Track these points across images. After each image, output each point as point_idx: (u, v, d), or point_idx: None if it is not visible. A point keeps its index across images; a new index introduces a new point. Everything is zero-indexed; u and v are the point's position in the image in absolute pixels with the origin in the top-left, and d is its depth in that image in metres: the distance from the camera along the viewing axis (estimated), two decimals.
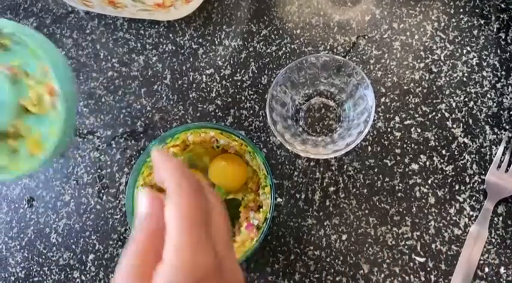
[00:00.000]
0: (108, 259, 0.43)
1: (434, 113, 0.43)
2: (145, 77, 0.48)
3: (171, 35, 0.50)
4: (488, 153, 0.41)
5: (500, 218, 0.40)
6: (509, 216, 0.40)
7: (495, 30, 0.45)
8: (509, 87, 0.43)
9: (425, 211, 0.41)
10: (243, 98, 0.46)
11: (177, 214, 0.23)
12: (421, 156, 0.42)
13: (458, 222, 0.40)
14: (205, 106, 0.46)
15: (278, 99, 0.40)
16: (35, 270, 0.44)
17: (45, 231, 0.45)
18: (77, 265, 0.44)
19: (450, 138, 0.42)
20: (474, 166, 0.41)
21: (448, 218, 0.40)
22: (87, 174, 0.46)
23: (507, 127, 0.42)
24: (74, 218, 0.45)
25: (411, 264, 0.40)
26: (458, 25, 0.45)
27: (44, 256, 0.45)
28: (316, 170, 0.43)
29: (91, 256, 0.44)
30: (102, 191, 0.46)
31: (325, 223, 0.41)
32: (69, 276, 0.44)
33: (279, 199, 0.43)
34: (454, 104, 0.43)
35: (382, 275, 0.39)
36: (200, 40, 0.49)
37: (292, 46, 0.47)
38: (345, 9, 0.47)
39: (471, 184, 0.41)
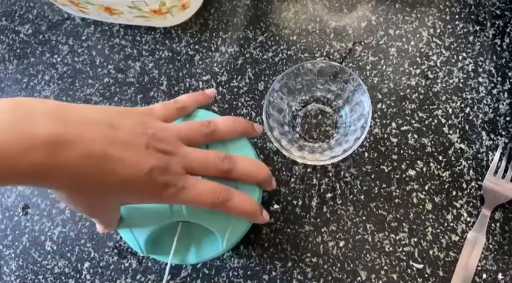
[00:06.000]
0: (103, 267, 0.43)
1: (430, 119, 0.43)
2: (142, 84, 0.48)
3: (167, 42, 0.49)
4: (485, 159, 0.41)
5: (498, 224, 0.40)
6: (506, 222, 0.40)
7: (491, 36, 0.45)
8: (505, 93, 0.43)
9: (423, 217, 0.40)
10: (240, 104, 0.46)
11: None
12: (418, 162, 0.42)
13: (455, 228, 0.40)
14: None
15: (275, 105, 0.40)
16: (29, 278, 0.44)
17: (40, 238, 0.45)
18: (72, 274, 0.43)
19: (447, 144, 0.42)
20: (471, 172, 0.41)
21: (446, 224, 0.40)
22: None
23: (503, 133, 0.42)
24: (69, 226, 0.45)
25: (409, 270, 0.39)
26: (454, 31, 0.45)
27: (39, 265, 0.44)
28: (313, 176, 0.43)
29: (86, 264, 0.43)
30: None
31: (322, 230, 0.41)
32: None
33: (275, 206, 0.42)
34: (450, 110, 0.43)
35: (380, 282, 0.39)
36: (196, 46, 0.49)
37: (289, 52, 0.47)
38: (341, 15, 0.48)
39: (468, 190, 0.41)
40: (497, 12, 0.46)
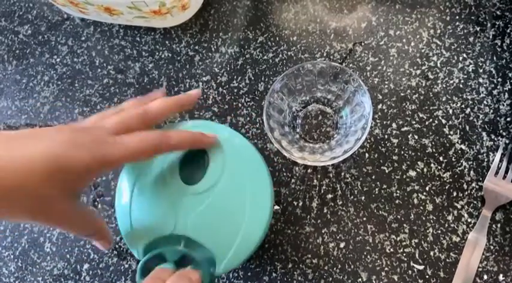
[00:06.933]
0: (103, 268, 0.43)
1: (431, 120, 0.43)
2: (141, 84, 0.48)
3: (167, 42, 0.49)
4: (486, 160, 0.41)
5: (499, 225, 0.40)
6: (507, 222, 0.39)
7: (491, 37, 0.45)
8: (506, 93, 0.43)
9: (423, 218, 0.40)
10: (240, 104, 0.46)
11: None
12: (419, 162, 0.42)
13: (456, 229, 0.40)
14: (201, 113, 0.46)
15: (275, 106, 0.40)
16: (28, 280, 0.44)
17: (39, 240, 0.45)
18: (71, 275, 0.43)
19: (447, 144, 0.42)
20: (472, 173, 0.41)
21: (446, 225, 0.40)
22: None
23: (504, 133, 0.42)
24: None
25: (410, 271, 0.39)
26: (454, 32, 0.45)
27: (38, 266, 0.44)
28: (313, 177, 0.43)
29: (86, 266, 0.43)
30: (97, 199, 0.45)
31: (323, 231, 0.41)
32: None
33: (276, 207, 0.42)
34: (450, 111, 0.43)
35: None
36: (196, 47, 0.49)
37: (289, 53, 0.47)
38: (341, 16, 0.48)
39: (469, 191, 0.41)
40: (498, 12, 0.46)
